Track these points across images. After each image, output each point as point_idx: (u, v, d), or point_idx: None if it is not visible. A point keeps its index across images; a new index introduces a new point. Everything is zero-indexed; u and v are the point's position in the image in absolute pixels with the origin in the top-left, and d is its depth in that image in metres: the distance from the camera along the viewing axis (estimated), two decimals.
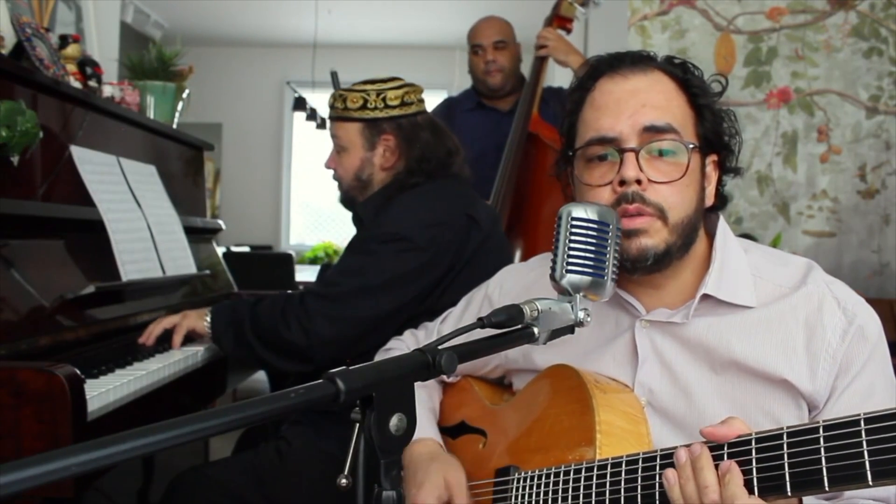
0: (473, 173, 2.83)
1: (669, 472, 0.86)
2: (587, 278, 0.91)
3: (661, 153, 1.03)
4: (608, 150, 1.04)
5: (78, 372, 1.24)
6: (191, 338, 1.84)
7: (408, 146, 1.83)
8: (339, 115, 1.86)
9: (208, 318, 1.79)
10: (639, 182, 1.01)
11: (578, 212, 0.93)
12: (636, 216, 1.01)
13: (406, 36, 7.19)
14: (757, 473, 0.80)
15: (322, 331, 1.69)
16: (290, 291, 1.79)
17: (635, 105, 1.04)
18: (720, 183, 1.13)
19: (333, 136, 1.90)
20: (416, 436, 1.10)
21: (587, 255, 0.92)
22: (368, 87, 1.84)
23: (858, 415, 0.74)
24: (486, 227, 1.81)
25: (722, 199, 1.13)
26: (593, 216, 0.92)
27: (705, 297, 1.04)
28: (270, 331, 1.71)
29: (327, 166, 1.93)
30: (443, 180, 1.85)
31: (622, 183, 1.01)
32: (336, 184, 1.94)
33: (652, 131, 1.03)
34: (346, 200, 1.93)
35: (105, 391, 1.37)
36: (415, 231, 1.71)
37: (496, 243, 1.85)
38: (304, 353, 1.70)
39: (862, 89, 3.61)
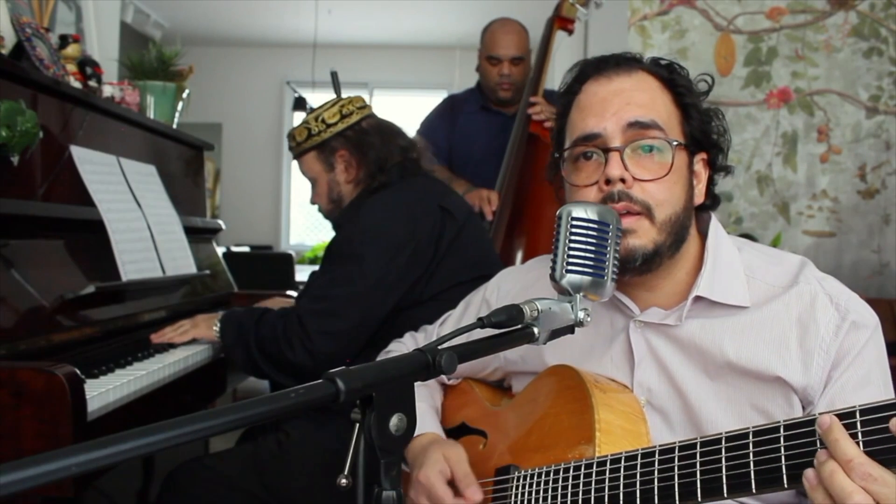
0: (478, 174, 2.85)
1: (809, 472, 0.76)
2: (587, 278, 0.91)
3: (645, 150, 1.03)
4: (593, 148, 1.04)
5: (78, 372, 1.25)
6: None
7: (361, 152, 1.89)
8: (295, 152, 1.96)
9: (217, 329, 1.82)
10: (623, 181, 1.01)
11: (578, 212, 0.93)
12: (624, 215, 1.01)
13: (406, 36, 7.19)
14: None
15: (325, 348, 1.71)
16: (287, 308, 1.81)
17: (619, 103, 1.04)
18: (711, 182, 1.13)
19: (302, 173, 1.99)
20: (418, 431, 1.11)
21: (587, 255, 0.92)
22: (308, 117, 1.92)
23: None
24: (460, 218, 1.85)
25: (714, 198, 1.13)
26: (593, 216, 0.92)
27: (698, 298, 1.04)
28: (277, 354, 1.73)
29: (312, 202, 2.01)
30: (412, 177, 1.89)
31: (608, 182, 1.02)
32: (323, 216, 2.02)
33: (636, 127, 1.03)
34: (334, 224, 2.00)
35: (105, 391, 1.37)
36: (393, 226, 1.75)
37: (472, 233, 1.89)
38: (314, 373, 1.72)
39: (862, 89, 3.61)
